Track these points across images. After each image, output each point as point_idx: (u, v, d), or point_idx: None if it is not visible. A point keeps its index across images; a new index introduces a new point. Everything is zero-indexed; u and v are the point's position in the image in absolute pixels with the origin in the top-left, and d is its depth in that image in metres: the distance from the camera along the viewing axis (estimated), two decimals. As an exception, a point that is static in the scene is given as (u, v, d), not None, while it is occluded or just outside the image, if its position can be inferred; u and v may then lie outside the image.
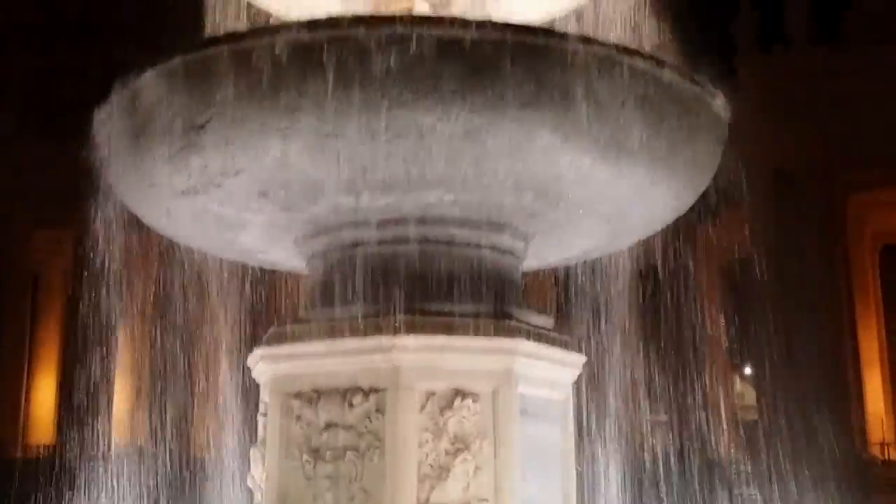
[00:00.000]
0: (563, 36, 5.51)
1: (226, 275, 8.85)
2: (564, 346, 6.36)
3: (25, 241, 32.42)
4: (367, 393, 5.71)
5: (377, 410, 5.68)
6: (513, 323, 5.93)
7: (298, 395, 5.93)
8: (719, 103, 6.19)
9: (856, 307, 27.12)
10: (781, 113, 24.88)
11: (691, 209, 7.10)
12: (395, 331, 5.67)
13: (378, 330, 5.75)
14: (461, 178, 5.60)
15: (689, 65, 6.61)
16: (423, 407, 5.67)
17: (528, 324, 6.07)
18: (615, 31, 7.87)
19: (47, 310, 34.33)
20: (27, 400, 33.68)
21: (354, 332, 5.78)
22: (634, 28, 7.83)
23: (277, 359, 6.14)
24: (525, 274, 7.06)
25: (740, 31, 27.06)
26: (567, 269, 8.59)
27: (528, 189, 5.85)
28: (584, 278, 8.59)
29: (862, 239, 28.99)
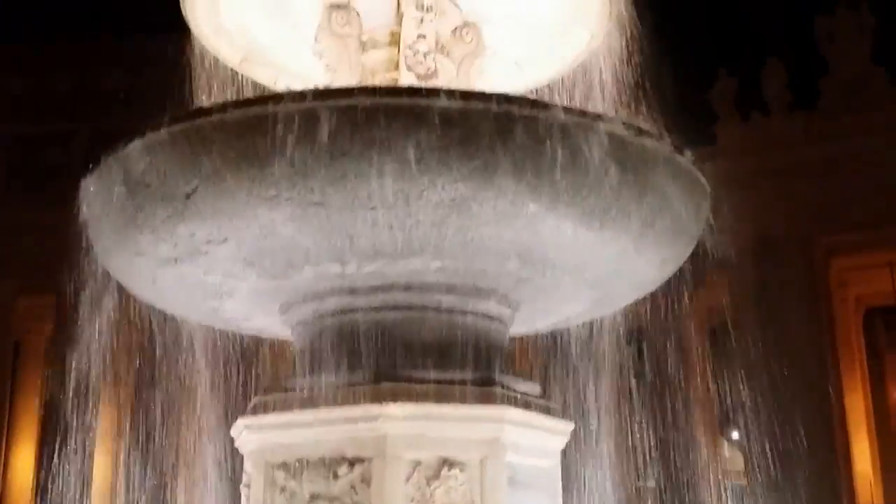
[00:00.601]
0: (546, 106, 5.59)
1: (210, 343, 8.80)
2: (552, 413, 6.34)
3: (8, 307, 32.15)
4: (352, 463, 5.65)
5: (362, 481, 5.61)
6: (500, 390, 5.90)
7: (282, 466, 5.85)
8: (700, 170, 6.27)
9: (841, 370, 27.12)
10: (762, 178, 25.18)
11: (676, 274, 7.15)
12: (381, 399, 5.63)
13: (363, 398, 5.70)
14: (447, 246, 5.62)
15: (669, 132, 6.73)
16: (409, 477, 5.60)
17: (515, 391, 6.04)
18: (596, 100, 8.01)
19: (28, 377, 33.89)
20: (5, 468, 33.03)
21: (339, 401, 5.74)
22: (615, 97, 7.97)
23: (261, 429, 6.07)
24: (511, 339, 7.06)
25: (719, 99, 27.53)
26: (553, 334, 8.59)
27: (514, 256, 5.88)
28: (570, 342, 8.59)
29: (845, 302, 29.15)
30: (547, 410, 6.28)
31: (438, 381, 5.76)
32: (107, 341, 8.13)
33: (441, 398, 5.71)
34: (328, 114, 5.06)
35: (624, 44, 7.81)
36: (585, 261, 6.06)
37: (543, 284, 6.33)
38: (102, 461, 26.22)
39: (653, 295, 7.70)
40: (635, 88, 8.05)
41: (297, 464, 5.78)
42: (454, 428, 5.76)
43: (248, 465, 6.24)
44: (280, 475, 5.82)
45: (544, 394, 6.53)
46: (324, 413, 5.78)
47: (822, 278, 26.91)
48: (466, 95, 5.41)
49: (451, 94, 5.36)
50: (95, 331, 7.87)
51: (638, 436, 15.34)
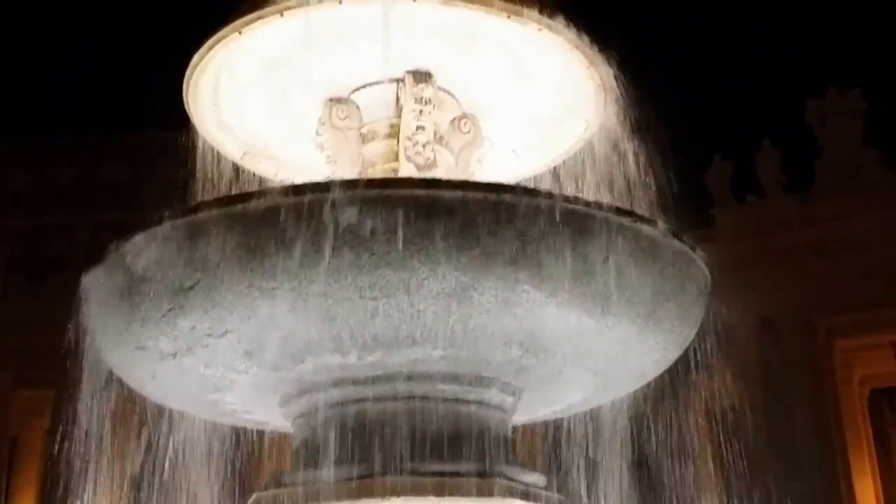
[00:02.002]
0: (547, 195, 5.64)
1: (209, 436, 8.69)
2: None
3: (6, 401, 31.84)
4: (354, 558, 5.53)
5: (365, 576, 5.48)
6: (501, 482, 5.81)
7: (284, 562, 5.72)
8: (701, 256, 6.30)
9: (849, 453, 26.72)
10: (760, 260, 25.27)
11: (680, 359, 7.12)
12: (382, 494, 5.54)
13: (365, 493, 5.61)
14: (449, 335, 5.60)
15: (666, 215, 6.79)
16: (412, 571, 5.49)
17: (518, 482, 5.95)
18: (593, 186, 8.10)
19: (24, 472, 33.36)
20: (-1, 567, 32.23)
21: (340, 496, 5.64)
22: (612, 183, 8.05)
23: (262, 526, 5.96)
24: (514, 427, 6.99)
25: (714, 182, 27.83)
26: (556, 420, 8.49)
27: (516, 344, 5.85)
28: (574, 429, 8.49)
29: (850, 383, 28.88)
30: (550, 501, 6.17)
31: (439, 474, 5.67)
32: (104, 436, 8.04)
33: (441, 491, 5.62)
34: (327, 206, 5.11)
35: (620, 131, 7.93)
36: (588, 348, 6.04)
37: (546, 372, 6.29)
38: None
39: (657, 380, 7.65)
40: (632, 174, 8.14)
41: (298, 559, 5.65)
42: (456, 521, 5.65)
43: (247, 563, 6.10)
44: (282, 571, 5.69)
45: (549, 483, 6.43)
46: (324, 509, 5.68)
47: (825, 359, 26.73)
48: (465, 185, 5.48)
49: (449, 183, 5.43)
50: (93, 424, 7.78)
51: (644, 525, 15.01)
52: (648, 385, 7.66)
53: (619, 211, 5.81)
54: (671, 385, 8.66)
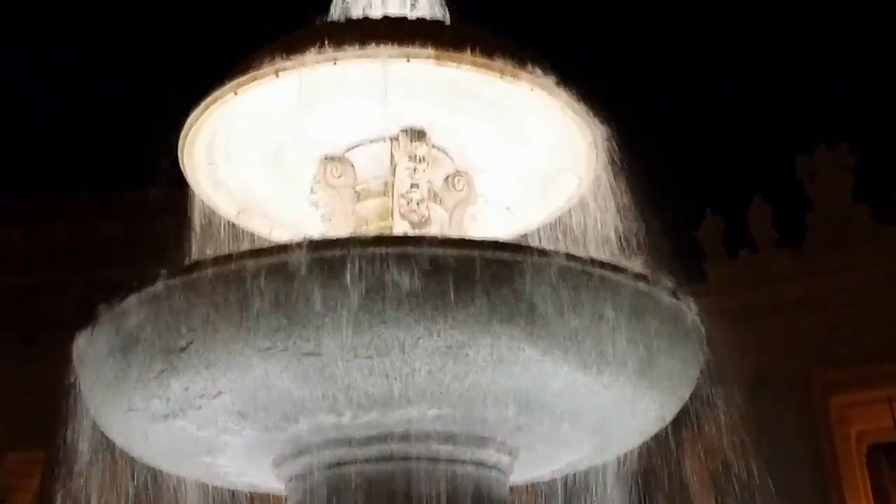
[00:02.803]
0: (541, 252, 5.64)
1: (203, 496, 8.56)
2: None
3: (-3, 460, 31.37)
4: None
5: None
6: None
7: None
8: (696, 313, 6.28)
9: (848, 510, 26.43)
10: (753, 315, 25.21)
11: (679, 416, 7.06)
12: (380, 556, 5.43)
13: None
14: (444, 393, 5.55)
15: (660, 271, 6.78)
16: None
17: (516, 544, 5.85)
18: (588, 244, 8.11)
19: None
20: None
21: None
22: (605, 239, 8.06)
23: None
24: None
25: (707, 237, 27.92)
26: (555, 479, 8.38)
27: (512, 402, 5.79)
28: (572, 486, 8.38)
29: (847, 439, 28.66)
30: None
31: (436, 535, 5.58)
32: (95, 497, 7.91)
33: (438, 552, 5.52)
34: (319, 265, 5.10)
35: (612, 187, 7.96)
36: (584, 406, 5.98)
37: (542, 431, 6.22)
38: None
39: (655, 438, 7.58)
40: (625, 230, 8.15)
41: None
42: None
43: None
44: None
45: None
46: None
47: (821, 415, 26.56)
48: (459, 243, 5.46)
49: (444, 241, 5.42)
50: (84, 486, 7.66)
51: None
52: (644, 443, 7.59)
53: (615, 268, 5.80)
54: (666, 441, 8.58)
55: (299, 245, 5.38)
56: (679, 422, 7.46)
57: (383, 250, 5.36)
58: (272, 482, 6.73)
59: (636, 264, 7.49)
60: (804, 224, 27.65)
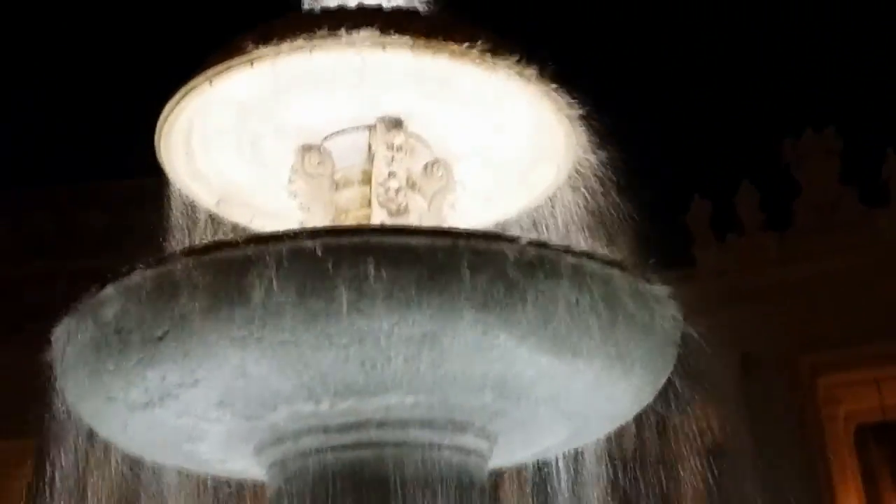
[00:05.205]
0: (514, 239, 5.68)
1: (193, 485, 8.61)
2: (533, 550, 6.20)
3: (-15, 453, 31.38)
4: None
5: None
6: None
7: None
8: (672, 298, 6.33)
9: (836, 493, 26.64)
10: (741, 298, 25.35)
11: (662, 399, 7.13)
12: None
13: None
14: (420, 380, 5.61)
15: (646, 256, 6.83)
16: None
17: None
18: (569, 230, 8.15)
19: (3, 525, 32.77)
20: None
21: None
22: (588, 225, 8.11)
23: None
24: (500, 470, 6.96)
25: (694, 222, 28.01)
26: (541, 463, 8.45)
27: (489, 388, 5.86)
28: (558, 472, 8.45)
29: (835, 420, 28.86)
30: (528, 547, 6.14)
31: (414, 522, 5.65)
32: (85, 485, 7.95)
33: (417, 538, 5.59)
34: (294, 255, 5.14)
35: (595, 174, 8.00)
36: (560, 391, 6.05)
37: (520, 416, 6.30)
38: None
39: (640, 421, 7.66)
40: (609, 217, 8.19)
41: None
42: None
43: None
44: None
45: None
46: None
47: (809, 396, 26.76)
48: (433, 232, 5.50)
49: (417, 231, 5.48)
50: (74, 474, 7.71)
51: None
52: (632, 425, 7.66)
53: (588, 255, 5.86)
54: (654, 425, 8.65)
55: (273, 236, 5.43)
56: (667, 405, 7.54)
57: (360, 240, 5.41)
58: (255, 470, 6.78)
59: (612, 251, 7.56)
60: (791, 208, 27.76)
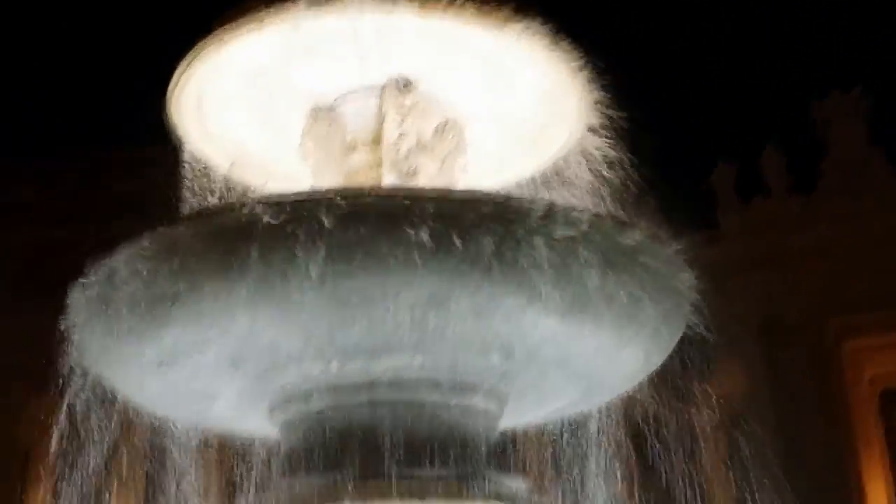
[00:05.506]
0: (522, 201, 5.68)
1: (217, 446, 8.75)
2: (540, 508, 6.26)
3: (18, 413, 31.96)
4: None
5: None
6: (482, 485, 5.84)
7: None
8: (683, 260, 6.29)
9: (860, 457, 26.53)
10: (766, 261, 25.19)
11: (685, 362, 7.12)
12: (364, 497, 5.59)
13: (349, 497, 5.66)
14: (428, 342, 5.66)
15: (670, 220, 6.76)
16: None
17: (501, 486, 5.98)
18: (589, 191, 8.09)
19: (37, 485, 33.47)
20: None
21: (325, 501, 5.70)
22: (610, 186, 8.05)
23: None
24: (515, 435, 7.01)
25: (719, 184, 27.76)
26: (561, 427, 8.46)
27: (495, 350, 5.90)
28: (576, 434, 8.46)
29: (860, 384, 28.66)
30: (532, 504, 6.20)
31: (421, 478, 5.72)
32: (114, 442, 8.09)
33: (424, 495, 5.66)
34: (304, 218, 5.17)
35: (615, 137, 7.93)
36: (568, 353, 6.07)
37: (529, 378, 6.33)
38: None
39: (662, 383, 7.66)
40: (625, 180, 8.12)
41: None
42: (439, 525, 5.70)
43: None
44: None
45: (537, 491, 6.45)
46: (308, 514, 5.74)
47: (834, 360, 26.59)
48: (440, 194, 5.51)
49: (424, 192, 5.48)
50: (102, 432, 7.83)
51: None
52: (654, 388, 7.67)
53: (596, 216, 5.83)
54: (681, 387, 8.63)
55: (282, 199, 5.46)
56: (687, 369, 7.52)
57: (368, 202, 5.44)
58: (268, 429, 6.88)
59: (631, 215, 7.50)
60: (818, 170, 27.41)
